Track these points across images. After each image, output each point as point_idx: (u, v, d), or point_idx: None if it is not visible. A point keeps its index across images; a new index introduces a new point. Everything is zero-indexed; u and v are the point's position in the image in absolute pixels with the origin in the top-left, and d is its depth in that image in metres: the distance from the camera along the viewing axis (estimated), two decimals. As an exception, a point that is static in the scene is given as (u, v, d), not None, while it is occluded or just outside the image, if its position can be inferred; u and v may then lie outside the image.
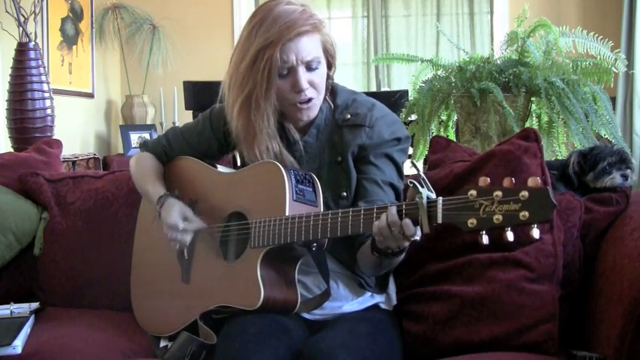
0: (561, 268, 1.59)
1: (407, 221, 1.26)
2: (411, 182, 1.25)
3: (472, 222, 1.18)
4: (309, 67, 1.48)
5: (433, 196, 1.25)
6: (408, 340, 1.60)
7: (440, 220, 1.22)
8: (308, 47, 1.46)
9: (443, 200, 1.22)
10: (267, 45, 1.43)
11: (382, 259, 1.41)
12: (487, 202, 1.17)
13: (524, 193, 1.14)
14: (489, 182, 1.18)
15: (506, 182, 1.17)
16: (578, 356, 1.47)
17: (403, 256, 1.42)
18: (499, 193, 1.16)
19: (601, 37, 2.48)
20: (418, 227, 1.27)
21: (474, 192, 1.18)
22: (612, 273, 1.52)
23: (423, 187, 1.24)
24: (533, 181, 1.14)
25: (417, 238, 1.29)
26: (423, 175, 1.26)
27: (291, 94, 1.49)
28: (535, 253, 1.57)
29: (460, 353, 1.51)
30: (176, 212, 1.57)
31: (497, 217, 1.15)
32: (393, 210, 1.28)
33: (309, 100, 1.50)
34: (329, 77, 1.56)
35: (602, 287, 1.56)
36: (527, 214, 1.13)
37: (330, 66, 1.55)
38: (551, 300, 1.54)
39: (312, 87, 1.49)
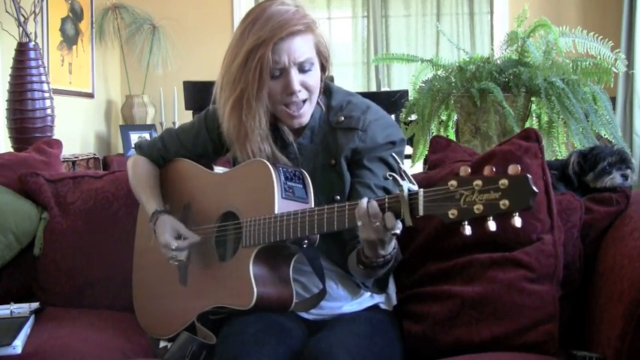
0: (562, 268, 1.59)
1: (389, 215, 1.25)
2: (390, 175, 1.24)
3: (453, 213, 1.16)
4: (302, 69, 1.46)
5: (415, 187, 1.23)
6: (408, 340, 1.60)
7: (421, 213, 1.21)
8: (301, 48, 1.45)
9: (424, 192, 1.21)
10: (259, 44, 1.42)
11: (368, 271, 1.41)
12: (467, 192, 1.15)
13: (504, 181, 1.11)
14: (470, 172, 1.17)
15: (487, 171, 1.14)
16: (578, 356, 1.47)
17: (388, 268, 1.41)
18: (479, 182, 1.14)
19: (601, 37, 2.48)
20: (399, 220, 1.26)
21: (454, 182, 1.16)
22: (612, 273, 1.52)
23: (403, 179, 1.23)
24: (514, 169, 1.12)
25: (398, 231, 1.27)
26: (402, 167, 1.25)
27: (283, 96, 1.48)
28: (535, 253, 1.57)
29: (460, 353, 1.51)
30: (168, 231, 1.57)
31: (478, 207, 1.13)
32: (374, 203, 1.27)
33: (303, 102, 1.49)
34: (322, 80, 1.54)
35: (602, 287, 1.56)
36: (507, 202, 1.11)
37: (323, 69, 1.54)
38: (551, 300, 1.54)
39: (305, 89, 1.48)
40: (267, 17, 1.44)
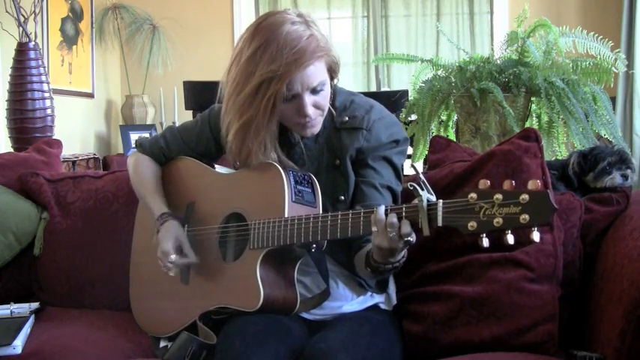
0: (561, 268, 1.59)
1: (405, 221, 1.26)
2: (411, 185, 1.25)
3: (472, 225, 1.18)
4: (314, 91, 1.44)
5: (433, 198, 1.24)
6: (408, 340, 1.60)
7: (440, 223, 1.22)
8: (314, 75, 1.42)
9: (443, 203, 1.22)
10: (273, 77, 1.38)
11: (375, 274, 1.42)
12: (487, 205, 1.17)
13: (525, 197, 1.13)
14: (489, 185, 1.18)
15: (507, 185, 1.16)
16: (578, 356, 1.47)
17: (395, 271, 1.42)
18: (499, 196, 1.16)
19: (601, 37, 2.48)
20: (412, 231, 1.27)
21: (474, 195, 1.18)
22: (612, 273, 1.52)
23: (423, 189, 1.24)
24: (534, 184, 1.14)
25: (412, 239, 1.28)
26: (422, 177, 1.26)
27: (295, 117, 1.47)
28: (535, 253, 1.57)
29: (460, 353, 1.51)
30: (172, 240, 1.56)
31: (498, 221, 1.15)
32: (393, 215, 1.27)
33: (314, 119, 1.48)
34: (331, 87, 1.53)
35: (602, 287, 1.56)
36: (527, 217, 1.13)
37: (332, 78, 1.53)
38: (551, 300, 1.54)
39: (317, 108, 1.47)
40: (279, 44, 1.38)
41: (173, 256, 1.55)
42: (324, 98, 1.48)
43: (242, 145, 1.49)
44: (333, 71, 1.51)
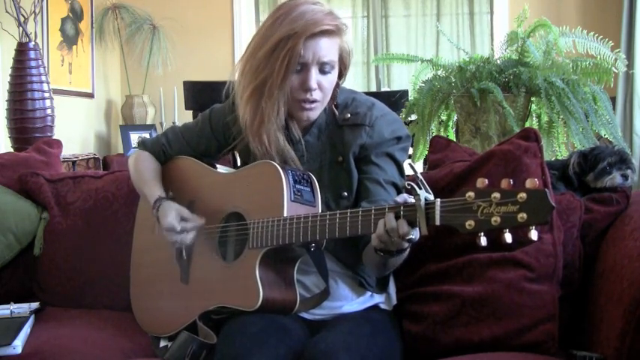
0: (561, 267, 1.59)
1: (402, 222, 1.26)
2: (408, 184, 1.25)
3: (470, 224, 1.17)
4: (322, 70, 1.47)
5: (431, 197, 1.24)
6: (408, 340, 1.60)
7: (438, 222, 1.22)
8: (326, 48, 1.46)
9: (441, 202, 1.22)
10: (291, 35, 1.43)
11: (387, 259, 1.41)
12: (485, 204, 1.16)
13: (522, 195, 1.13)
14: (487, 184, 1.18)
15: (504, 184, 1.16)
16: (578, 356, 1.47)
17: (407, 253, 1.41)
18: (497, 194, 1.15)
19: (601, 37, 2.48)
20: (416, 229, 1.27)
21: (471, 194, 1.18)
22: (612, 273, 1.52)
23: (420, 188, 1.24)
24: (531, 183, 1.14)
25: (413, 236, 1.28)
26: (420, 176, 1.26)
27: (298, 91, 1.48)
28: (535, 252, 1.57)
29: (460, 353, 1.51)
30: (172, 214, 1.56)
31: (496, 219, 1.15)
32: (391, 216, 1.28)
33: (314, 101, 1.50)
34: (337, 85, 1.55)
35: (602, 287, 1.56)
36: (525, 215, 1.13)
37: (340, 75, 1.54)
38: (551, 300, 1.54)
39: (320, 89, 1.49)
40: (300, 12, 1.45)
41: (179, 225, 1.54)
42: (330, 83, 1.50)
43: (256, 109, 1.50)
44: (342, 63, 1.53)
